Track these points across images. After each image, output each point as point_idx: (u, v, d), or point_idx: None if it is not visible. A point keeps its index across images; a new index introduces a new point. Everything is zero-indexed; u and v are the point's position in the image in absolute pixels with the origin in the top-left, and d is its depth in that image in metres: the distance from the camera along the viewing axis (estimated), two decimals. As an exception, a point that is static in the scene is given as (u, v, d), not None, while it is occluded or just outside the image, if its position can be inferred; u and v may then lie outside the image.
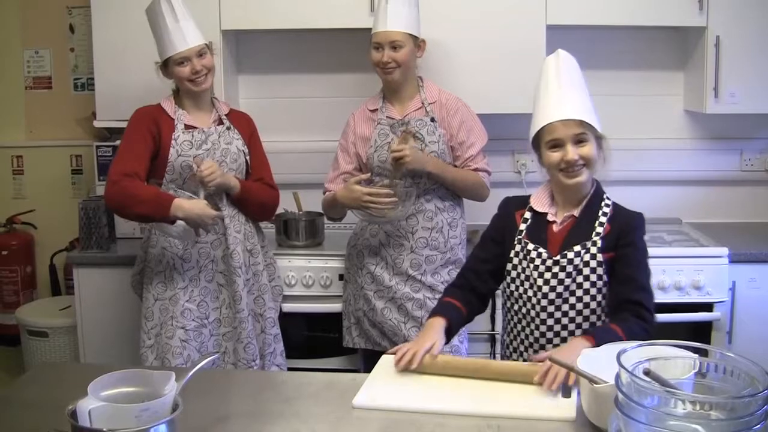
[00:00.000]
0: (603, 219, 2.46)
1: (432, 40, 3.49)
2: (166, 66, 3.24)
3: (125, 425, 1.62)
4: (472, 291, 2.61)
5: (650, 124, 4.20)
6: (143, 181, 3.15)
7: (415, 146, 3.31)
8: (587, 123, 2.42)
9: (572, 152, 2.41)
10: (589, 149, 2.42)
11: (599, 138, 2.46)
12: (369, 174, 3.36)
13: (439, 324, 2.46)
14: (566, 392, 2.13)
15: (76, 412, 1.65)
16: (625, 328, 2.28)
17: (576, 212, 2.49)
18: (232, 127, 3.35)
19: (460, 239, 3.47)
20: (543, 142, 2.47)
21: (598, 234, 2.44)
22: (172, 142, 3.21)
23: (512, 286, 2.55)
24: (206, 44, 3.26)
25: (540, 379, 2.17)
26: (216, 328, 3.30)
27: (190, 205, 3.06)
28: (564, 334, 2.47)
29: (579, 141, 2.42)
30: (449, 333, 2.49)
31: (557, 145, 2.44)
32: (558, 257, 2.45)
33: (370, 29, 3.37)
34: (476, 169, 3.42)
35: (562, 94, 2.46)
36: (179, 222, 3.08)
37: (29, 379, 2.46)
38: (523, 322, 2.54)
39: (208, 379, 2.27)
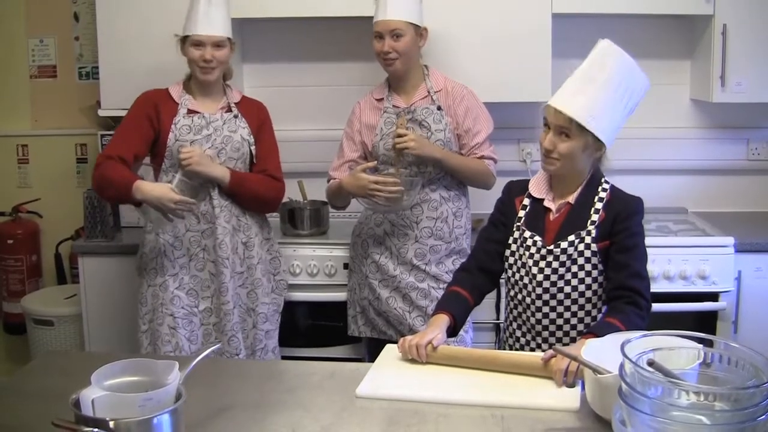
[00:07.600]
0: (599, 205, 2.45)
1: (437, 28, 3.48)
2: (184, 42, 3.23)
3: (128, 414, 1.63)
4: (482, 270, 2.61)
5: (656, 113, 4.17)
6: (126, 166, 3.12)
7: (421, 134, 3.31)
8: (578, 122, 2.34)
9: (548, 140, 2.40)
10: (567, 146, 2.38)
11: (597, 141, 2.39)
12: (375, 162, 3.35)
13: (442, 321, 2.45)
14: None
15: (79, 402, 1.65)
16: (623, 319, 2.28)
17: (571, 199, 2.48)
18: (239, 115, 3.33)
19: (465, 229, 3.46)
20: None
21: (593, 222, 2.43)
22: (172, 126, 3.20)
23: (510, 272, 2.57)
24: (228, 38, 3.24)
25: (546, 360, 2.17)
26: (206, 317, 3.29)
27: (150, 187, 3.03)
28: (559, 321, 2.48)
29: (563, 134, 2.38)
30: (455, 327, 2.49)
31: (547, 128, 2.43)
32: (552, 246, 2.45)
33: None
34: (482, 157, 3.40)
35: (577, 85, 2.40)
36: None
37: (34, 367, 2.47)
38: (520, 308, 2.56)
39: (212, 368, 2.28)
